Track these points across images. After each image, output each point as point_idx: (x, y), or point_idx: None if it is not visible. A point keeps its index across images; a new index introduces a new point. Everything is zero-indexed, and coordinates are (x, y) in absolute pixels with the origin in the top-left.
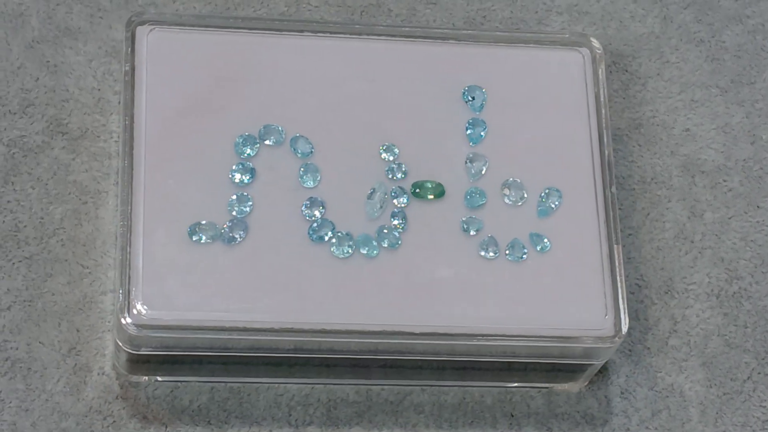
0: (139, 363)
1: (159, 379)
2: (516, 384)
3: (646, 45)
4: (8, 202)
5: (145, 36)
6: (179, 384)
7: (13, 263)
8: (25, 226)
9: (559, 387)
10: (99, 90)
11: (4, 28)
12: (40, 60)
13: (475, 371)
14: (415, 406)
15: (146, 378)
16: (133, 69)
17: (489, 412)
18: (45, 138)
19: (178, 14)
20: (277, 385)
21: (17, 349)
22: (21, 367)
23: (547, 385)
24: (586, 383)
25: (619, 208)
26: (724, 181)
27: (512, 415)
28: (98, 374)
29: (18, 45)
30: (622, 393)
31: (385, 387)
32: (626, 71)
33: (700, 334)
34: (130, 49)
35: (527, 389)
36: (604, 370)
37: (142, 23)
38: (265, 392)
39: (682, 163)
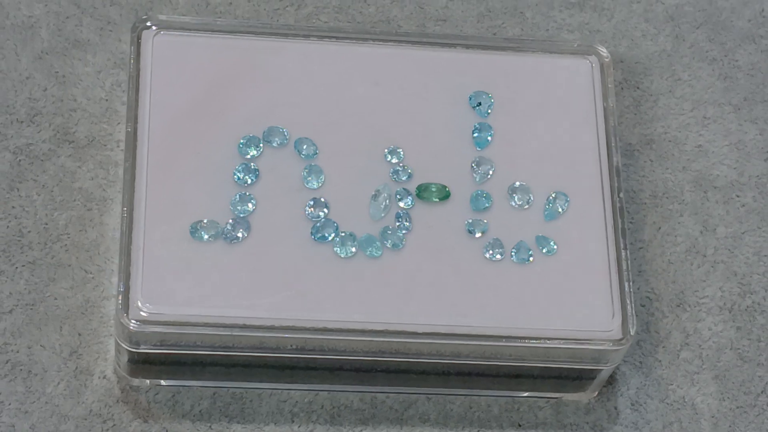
0: (140, 365)
1: (161, 383)
2: (524, 394)
3: (657, 63)
4: (13, 207)
5: (150, 40)
6: (181, 388)
7: (17, 267)
8: (29, 232)
9: (567, 397)
10: (107, 100)
11: (14, 39)
12: (48, 71)
13: (481, 379)
14: (420, 415)
15: (148, 382)
16: (138, 72)
17: (496, 422)
18: (51, 146)
19: (182, 19)
20: (280, 391)
21: (18, 352)
22: (21, 369)
23: (555, 395)
24: (595, 394)
25: (630, 222)
26: (737, 196)
27: (519, 425)
28: (99, 378)
29: (27, 56)
30: (632, 405)
31: (390, 394)
32: (638, 88)
33: (713, 347)
34: (135, 52)
35: (535, 399)
36: (614, 382)
37: (147, 28)
38: (268, 398)
39: (694, 179)
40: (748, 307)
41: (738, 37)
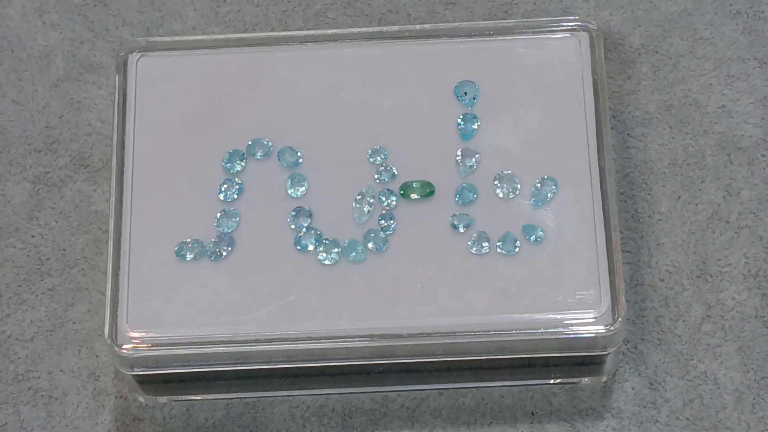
0: (149, 384)
1: (176, 399)
2: (536, 382)
3: (677, 24)
4: (32, 237)
5: (134, 63)
6: (195, 402)
7: (36, 295)
8: (48, 259)
9: (582, 382)
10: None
11: (30, 70)
12: (64, 98)
13: (491, 371)
14: (432, 411)
15: (165, 399)
16: (124, 97)
17: (509, 412)
18: (68, 172)
19: (164, 40)
20: (291, 397)
21: (39, 378)
22: (42, 395)
23: (569, 380)
24: (608, 377)
25: (648, 194)
26: (763, 156)
27: (533, 414)
28: (116, 398)
29: (44, 85)
30: (650, 384)
31: (401, 393)
32: (656, 52)
33: (736, 317)
34: (121, 76)
35: (549, 386)
36: (630, 361)
37: (131, 52)
38: (280, 405)
39: (716, 142)
40: None
41: None
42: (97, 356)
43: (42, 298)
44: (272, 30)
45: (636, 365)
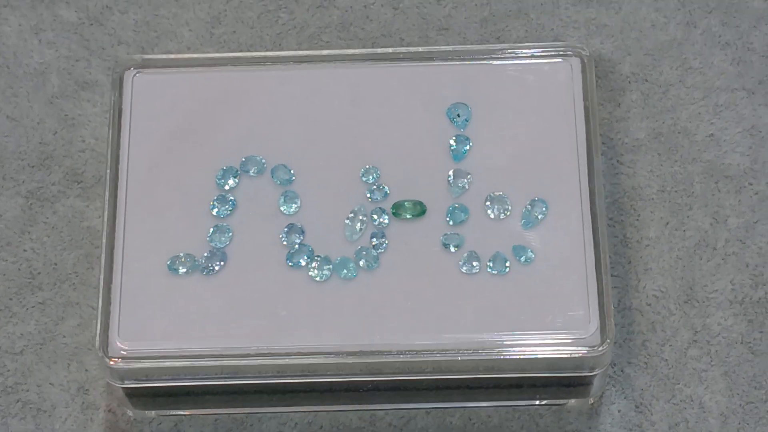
0: (139, 398)
1: (165, 413)
2: (523, 402)
3: (667, 53)
4: (24, 251)
5: (130, 80)
6: (183, 417)
7: (27, 309)
8: (39, 273)
9: (569, 403)
10: None
11: (26, 86)
12: (58, 114)
13: (479, 391)
14: (419, 430)
15: (153, 413)
16: (120, 113)
17: None
18: (61, 188)
19: (160, 57)
20: (280, 414)
21: (28, 390)
22: (31, 408)
23: (556, 401)
24: (595, 398)
25: (636, 220)
26: (750, 184)
27: None
28: (105, 411)
29: (38, 102)
30: (637, 407)
31: (389, 411)
32: (646, 80)
33: (722, 342)
34: (117, 94)
35: (536, 407)
36: (617, 384)
37: (127, 68)
38: (268, 421)
39: (704, 170)
40: (760, 298)
41: (753, 19)
42: (86, 370)
43: (32, 312)
44: (266, 50)
45: (623, 388)
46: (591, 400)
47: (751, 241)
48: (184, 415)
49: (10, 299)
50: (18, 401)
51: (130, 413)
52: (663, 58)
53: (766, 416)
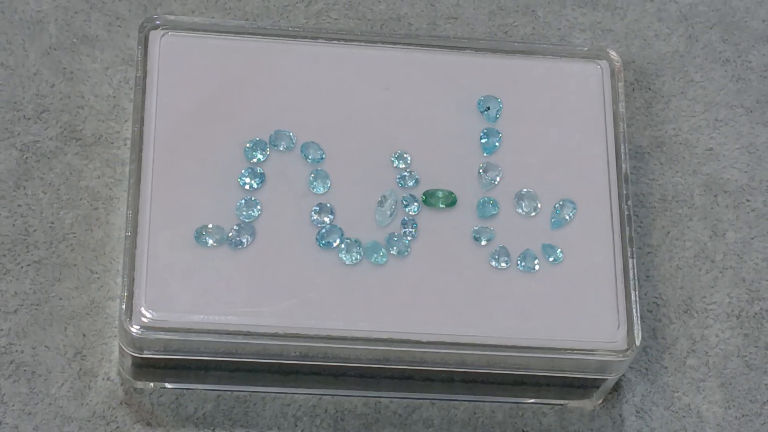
0: (144, 368)
1: (166, 386)
2: (528, 400)
3: (670, 64)
4: (19, 206)
5: (158, 40)
6: (185, 391)
7: (22, 267)
8: (35, 231)
9: (572, 404)
10: (114, 97)
11: (21, 34)
12: (56, 67)
13: (486, 385)
14: (424, 420)
15: (152, 384)
16: (145, 73)
17: (499, 428)
18: (58, 144)
19: (190, 19)
20: (284, 395)
21: (22, 352)
22: (25, 370)
23: (559, 401)
24: (599, 401)
25: (639, 226)
26: (747, 201)
27: (523, 431)
28: (103, 379)
29: (35, 52)
30: (637, 412)
31: (394, 399)
32: (649, 89)
33: (720, 354)
34: (142, 53)
35: (539, 405)
36: (618, 389)
37: (155, 28)
38: (272, 402)
39: (704, 182)
40: (756, 313)
41: (752, 38)
42: (84, 335)
43: (27, 270)
44: (279, 23)
45: (624, 393)
46: (595, 403)
47: (747, 256)
48: (186, 389)
49: (4, 255)
50: (12, 362)
51: (133, 384)
52: (665, 69)
53: (761, 429)
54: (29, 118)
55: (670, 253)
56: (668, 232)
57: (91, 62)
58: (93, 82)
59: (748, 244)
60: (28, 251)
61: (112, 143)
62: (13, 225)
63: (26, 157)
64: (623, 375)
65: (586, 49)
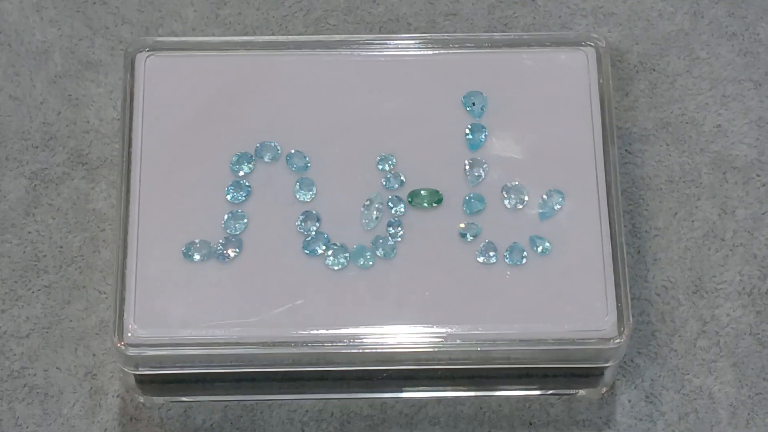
0: (148, 384)
1: (175, 399)
2: (534, 392)
3: (675, 43)
4: (29, 233)
5: (143, 62)
6: (192, 404)
7: (33, 292)
8: (44, 256)
9: (579, 393)
10: (119, 120)
11: (28, 65)
12: (62, 94)
13: (489, 380)
14: (430, 418)
15: (162, 399)
16: (132, 95)
17: (507, 422)
18: (66, 169)
19: (174, 39)
20: (290, 401)
21: (35, 375)
22: (38, 392)
23: (567, 391)
24: (607, 388)
25: (645, 209)
26: (758, 176)
27: (531, 424)
28: (113, 397)
29: (41, 81)
30: (647, 397)
31: (400, 399)
32: (654, 70)
33: (731, 333)
34: (129, 76)
35: (546, 396)
36: (627, 374)
37: (140, 50)
38: (278, 409)
39: (712, 161)
40: None
41: (759, 10)
42: (93, 355)
43: (38, 295)
44: (279, 34)
45: (633, 378)
46: (602, 390)
47: (759, 232)
48: (194, 401)
49: (15, 282)
50: (25, 386)
51: (140, 399)
52: (670, 48)
53: None
54: (37, 146)
55: (678, 234)
56: (676, 213)
57: (95, 87)
58: (98, 107)
59: (759, 219)
60: (38, 276)
61: (117, 165)
62: (24, 252)
63: (35, 185)
64: (632, 360)
65: (571, 35)
